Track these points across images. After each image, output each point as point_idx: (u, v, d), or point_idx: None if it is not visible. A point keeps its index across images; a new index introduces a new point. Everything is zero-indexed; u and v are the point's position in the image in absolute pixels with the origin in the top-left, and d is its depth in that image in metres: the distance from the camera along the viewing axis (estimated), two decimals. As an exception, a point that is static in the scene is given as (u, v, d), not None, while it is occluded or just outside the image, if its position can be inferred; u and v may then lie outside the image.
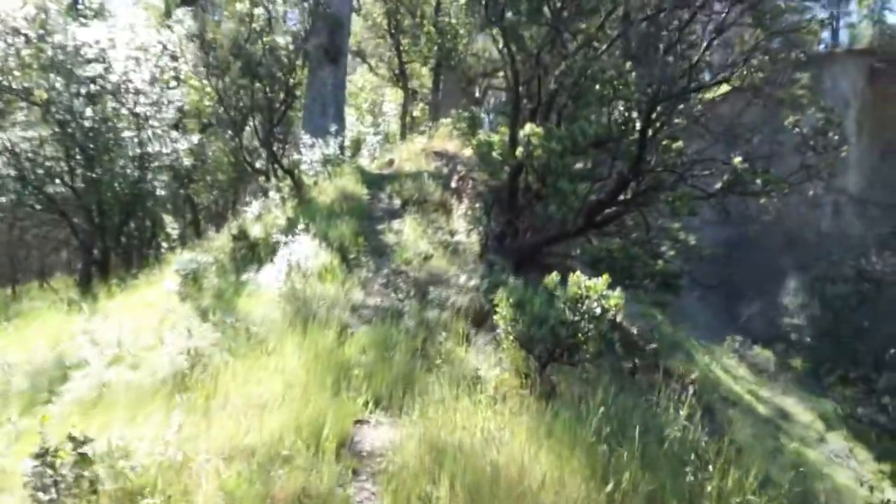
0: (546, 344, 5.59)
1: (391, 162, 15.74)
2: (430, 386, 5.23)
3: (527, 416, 4.76)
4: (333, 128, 14.00)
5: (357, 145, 16.38)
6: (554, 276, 5.86)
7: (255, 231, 11.37)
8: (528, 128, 7.36)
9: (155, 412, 4.74)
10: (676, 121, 8.09)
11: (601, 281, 5.75)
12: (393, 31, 22.45)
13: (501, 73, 28.82)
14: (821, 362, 19.33)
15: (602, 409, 4.52)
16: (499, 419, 4.60)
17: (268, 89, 11.31)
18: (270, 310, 7.14)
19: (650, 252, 8.61)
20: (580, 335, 5.55)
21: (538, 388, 5.47)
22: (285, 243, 8.31)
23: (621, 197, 8.17)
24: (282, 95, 11.81)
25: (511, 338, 5.87)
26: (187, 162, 16.26)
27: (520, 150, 7.60)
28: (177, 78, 16.33)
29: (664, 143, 8.14)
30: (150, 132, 14.90)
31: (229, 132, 12.28)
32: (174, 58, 15.51)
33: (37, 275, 20.90)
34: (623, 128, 7.95)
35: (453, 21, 20.99)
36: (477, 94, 27.60)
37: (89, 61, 13.43)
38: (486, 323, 7.01)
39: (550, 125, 7.36)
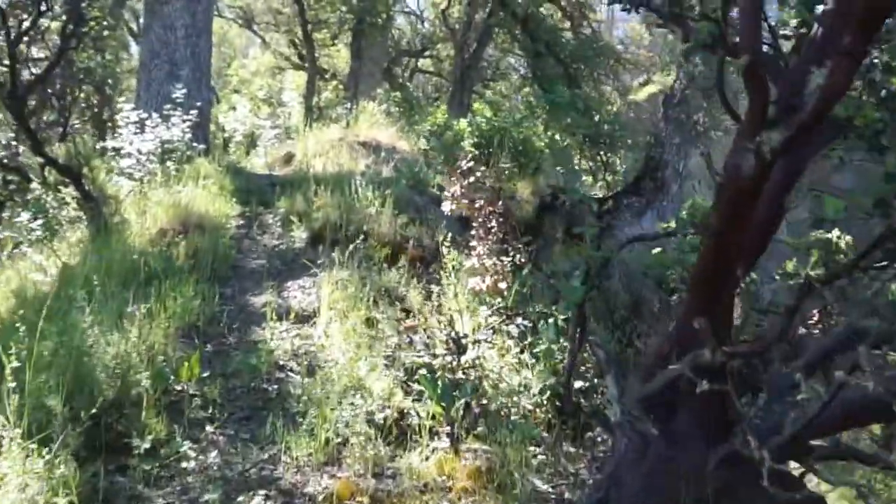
0: None
1: (289, 157, 9.40)
2: None
3: None
4: (181, 93, 7.65)
5: (252, 141, 11.50)
6: None
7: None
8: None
9: None
10: None
11: None
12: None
13: (430, 53, 23.07)
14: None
15: None
16: None
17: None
18: None
19: None
20: None
21: None
22: None
23: None
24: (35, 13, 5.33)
25: None
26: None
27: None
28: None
29: None
30: None
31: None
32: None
33: None
34: None
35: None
36: (401, 79, 21.71)
37: None
38: None
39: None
